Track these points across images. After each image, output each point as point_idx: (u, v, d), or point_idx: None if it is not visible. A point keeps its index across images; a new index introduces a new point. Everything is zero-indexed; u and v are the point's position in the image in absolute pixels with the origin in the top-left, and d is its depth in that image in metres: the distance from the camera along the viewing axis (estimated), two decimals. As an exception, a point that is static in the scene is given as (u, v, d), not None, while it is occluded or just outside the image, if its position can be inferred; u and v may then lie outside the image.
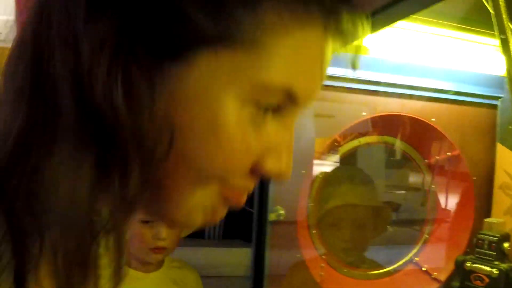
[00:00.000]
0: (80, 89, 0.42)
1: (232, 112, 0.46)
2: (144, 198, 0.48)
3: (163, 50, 0.43)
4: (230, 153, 0.47)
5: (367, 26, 0.51)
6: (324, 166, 1.93)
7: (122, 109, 0.42)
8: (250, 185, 0.51)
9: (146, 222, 1.45)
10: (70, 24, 0.42)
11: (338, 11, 0.47)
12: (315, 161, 1.88)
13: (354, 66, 0.53)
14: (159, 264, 1.53)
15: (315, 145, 1.82)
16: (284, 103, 0.47)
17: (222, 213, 0.52)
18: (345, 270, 1.96)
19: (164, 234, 1.44)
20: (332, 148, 1.89)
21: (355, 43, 0.52)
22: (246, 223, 1.95)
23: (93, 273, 0.48)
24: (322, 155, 1.89)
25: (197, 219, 0.51)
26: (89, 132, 0.43)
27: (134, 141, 0.44)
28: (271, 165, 0.50)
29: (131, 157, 0.44)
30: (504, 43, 1.23)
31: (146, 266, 1.49)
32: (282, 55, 0.45)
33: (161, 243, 1.43)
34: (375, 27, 0.90)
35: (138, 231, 1.44)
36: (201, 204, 0.50)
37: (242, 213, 1.98)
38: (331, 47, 0.48)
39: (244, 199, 0.53)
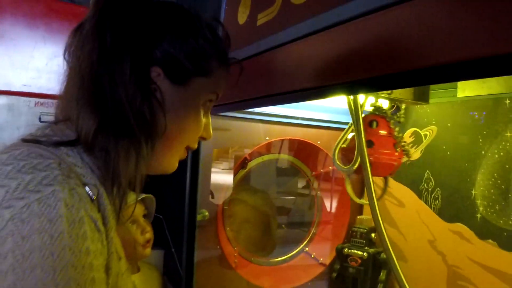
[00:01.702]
0: (130, 105, 0.81)
1: (200, 108, 0.95)
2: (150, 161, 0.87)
3: (177, 79, 0.90)
4: (197, 130, 0.97)
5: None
6: (236, 177, 2.18)
7: (146, 113, 0.84)
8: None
9: (133, 222, 1.62)
10: (124, 75, 0.82)
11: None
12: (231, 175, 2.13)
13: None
14: (138, 268, 1.73)
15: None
16: (213, 100, 0.98)
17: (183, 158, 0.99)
18: (252, 259, 2.24)
19: (148, 227, 1.68)
20: (243, 163, 2.17)
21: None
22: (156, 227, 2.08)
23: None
24: (235, 169, 2.15)
25: (176, 166, 0.97)
26: (134, 129, 0.82)
27: (149, 128, 0.85)
28: (205, 134, 0.99)
29: (151, 138, 0.85)
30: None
31: (134, 266, 1.69)
32: (216, 76, 0.95)
33: (148, 235, 1.66)
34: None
35: (129, 236, 1.59)
36: (179, 157, 0.97)
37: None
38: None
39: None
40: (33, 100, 2.76)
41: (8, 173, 0.71)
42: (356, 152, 1.58)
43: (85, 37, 0.86)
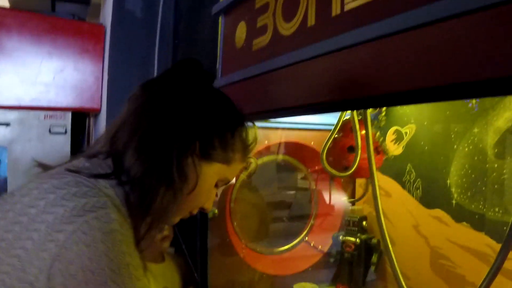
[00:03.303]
0: (177, 163, 0.98)
1: (214, 183, 1.12)
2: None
3: (207, 157, 1.06)
4: (205, 201, 1.12)
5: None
6: (240, 178, 2.37)
7: (187, 171, 1.00)
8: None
9: None
10: (173, 143, 0.99)
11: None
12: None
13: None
14: (163, 258, 1.87)
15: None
16: (224, 183, 1.16)
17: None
18: (258, 249, 2.44)
19: (166, 226, 1.81)
20: (246, 165, 2.31)
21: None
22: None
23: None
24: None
25: (176, 222, 1.13)
26: (175, 181, 0.97)
27: (182, 188, 1.01)
28: (206, 206, 1.14)
29: (181, 191, 1.01)
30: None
31: (157, 257, 1.83)
32: (234, 167, 1.13)
33: (166, 232, 1.81)
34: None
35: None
36: (182, 217, 1.12)
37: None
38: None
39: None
40: (42, 113, 2.90)
41: (63, 195, 0.87)
42: (356, 158, 1.75)
43: (145, 99, 1.06)
